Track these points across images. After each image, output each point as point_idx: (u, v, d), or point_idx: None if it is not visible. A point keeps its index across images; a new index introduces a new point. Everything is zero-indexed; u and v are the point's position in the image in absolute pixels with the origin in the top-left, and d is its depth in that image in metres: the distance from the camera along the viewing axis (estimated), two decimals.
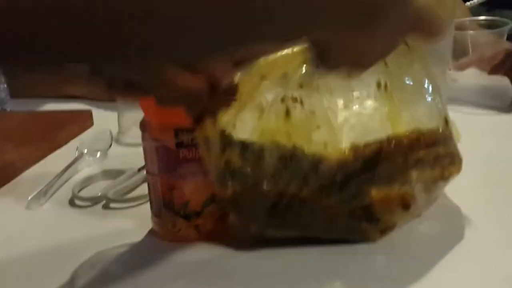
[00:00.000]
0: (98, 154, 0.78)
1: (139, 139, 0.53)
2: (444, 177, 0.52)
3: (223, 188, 0.49)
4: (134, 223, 0.59)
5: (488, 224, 0.55)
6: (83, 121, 0.93)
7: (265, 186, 0.48)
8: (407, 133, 0.49)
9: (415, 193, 0.50)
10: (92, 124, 0.94)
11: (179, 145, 0.51)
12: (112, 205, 0.63)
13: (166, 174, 0.52)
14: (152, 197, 0.54)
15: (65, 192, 0.67)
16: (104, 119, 0.94)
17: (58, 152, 0.82)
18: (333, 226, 0.50)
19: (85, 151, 0.78)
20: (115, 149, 0.79)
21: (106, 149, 0.79)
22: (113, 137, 0.79)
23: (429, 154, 0.50)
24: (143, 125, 0.52)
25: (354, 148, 0.47)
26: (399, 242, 0.52)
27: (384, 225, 0.51)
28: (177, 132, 0.50)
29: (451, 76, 0.98)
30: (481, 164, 0.70)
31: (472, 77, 0.96)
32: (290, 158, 0.48)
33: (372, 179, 0.48)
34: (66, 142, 0.86)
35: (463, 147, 0.64)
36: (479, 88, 0.93)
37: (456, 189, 0.57)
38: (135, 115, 0.53)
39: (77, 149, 0.78)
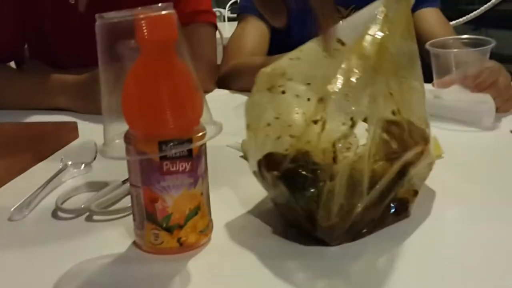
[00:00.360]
0: (83, 166, 0.78)
1: (123, 152, 0.53)
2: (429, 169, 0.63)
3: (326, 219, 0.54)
4: (117, 235, 0.59)
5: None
6: (68, 133, 0.94)
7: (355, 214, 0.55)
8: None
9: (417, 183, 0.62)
10: (77, 136, 0.94)
11: (163, 157, 0.51)
12: (95, 217, 0.63)
13: (149, 186, 0.52)
14: (135, 209, 0.54)
15: (49, 203, 0.67)
16: (90, 131, 0.94)
17: (42, 163, 0.82)
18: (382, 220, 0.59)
19: (70, 163, 0.78)
20: (100, 161, 0.79)
21: (90, 161, 0.79)
22: (98, 150, 0.80)
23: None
24: (128, 138, 0.52)
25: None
26: None
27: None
28: (161, 145, 0.50)
29: (434, 93, 0.99)
30: (461, 179, 0.70)
31: (455, 94, 0.97)
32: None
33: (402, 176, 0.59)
34: (51, 153, 0.86)
35: (445, 162, 0.65)
36: (462, 106, 0.94)
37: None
38: (119, 127, 0.53)
39: (61, 160, 0.78)
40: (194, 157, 0.52)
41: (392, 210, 0.59)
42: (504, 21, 4.05)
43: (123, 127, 0.53)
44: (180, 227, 0.53)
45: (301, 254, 0.55)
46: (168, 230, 0.52)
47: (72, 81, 1.12)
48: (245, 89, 1.23)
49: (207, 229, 0.55)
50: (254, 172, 0.60)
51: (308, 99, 0.61)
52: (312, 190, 0.54)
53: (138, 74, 0.51)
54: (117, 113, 0.52)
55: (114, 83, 0.53)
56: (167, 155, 0.51)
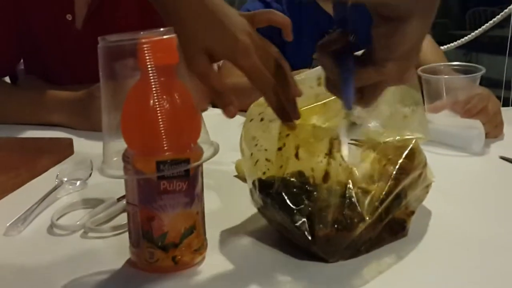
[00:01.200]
0: (78, 182, 0.79)
1: (121, 170, 0.54)
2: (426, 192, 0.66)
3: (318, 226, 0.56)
4: (112, 252, 0.60)
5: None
6: (64, 149, 0.94)
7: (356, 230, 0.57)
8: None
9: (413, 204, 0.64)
10: (72, 152, 0.95)
11: (160, 177, 0.52)
12: (90, 234, 0.64)
13: (146, 205, 0.53)
14: (131, 227, 0.55)
15: (44, 219, 0.67)
16: (85, 147, 0.95)
17: (38, 179, 0.83)
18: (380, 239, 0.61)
19: (65, 179, 0.79)
20: (95, 178, 0.80)
21: (86, 178, 0.80)
22: (93, 166, 0.81)
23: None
24: (126, 157, 0.53)
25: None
26: None
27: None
28: (159, 164, 0.51)
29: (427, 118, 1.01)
30: (452, 202, 0.72)
31: (446, 119, 0.99)
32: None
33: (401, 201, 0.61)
34: (46, 169, 0.86)
35: (435, 186, 0.67)
36: (452, 131, 0.96)
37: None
38: (118, 146, 0.54)
39: (57, 177, 0.79)
40: (191, 177, 0.53)
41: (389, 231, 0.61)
42: (494, 47, 4.11)
43: (122, 145, 0.54)
44: (175, 245, 0.53)
45: (298, 270, 0.56)
46: (163, 248, 0.53)
47: (68, 98, 1.12)
48: (239, 109, 1.25)
49: (202, 248, 0.56)
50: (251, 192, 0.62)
51: None
52: (302, 207, 0.57)
53: (138, 95, 0.52)
54: (117, 131, 0.54)
55: (114, 103, 0.54)
56: (165, 174, 0.52)
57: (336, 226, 0.56)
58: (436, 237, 0.63)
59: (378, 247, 0.60)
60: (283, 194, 0.58)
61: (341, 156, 0.60)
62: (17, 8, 1.25)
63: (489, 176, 0.83)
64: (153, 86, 0.51)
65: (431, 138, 0.94)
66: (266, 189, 0.60)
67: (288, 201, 0.57)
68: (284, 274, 0.55)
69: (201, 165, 0.55)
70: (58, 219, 0.67)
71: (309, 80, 0.67)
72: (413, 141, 0.65)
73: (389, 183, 0.59)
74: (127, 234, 0.57)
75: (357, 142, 0.66)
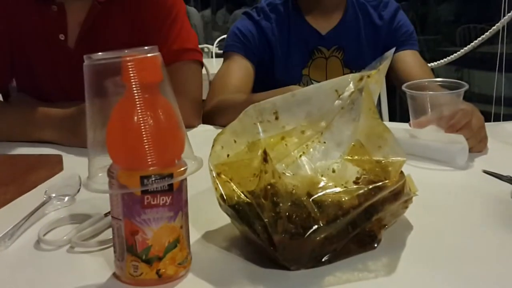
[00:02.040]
0: (66, 198, 0.80)
1: (106, 185, 0.55)
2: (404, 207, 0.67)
3: (274, 235, 0.57)
4: (98, 266, 0.61)
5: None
6: (53, 165, 0.95)
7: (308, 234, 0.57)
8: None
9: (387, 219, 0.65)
10: (62, 168, 0.96)
11: (144, 191, 0.53)
12: (76, 249, 0.65)
13: (130, 219, 0.54)
14: (115, 241, 0.56)
15: (31, 235, 0.68)
16: (75, 164, 0.96)
17: (26, 195, 0.84)
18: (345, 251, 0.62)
19: (53, 195, 0.80)
20: (83, 194, 0.80)
21: (74, 194, 0.81)
22: (82, 183, 0.82)
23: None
24: (111, 172, 0.54)
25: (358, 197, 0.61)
26: None
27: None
28: (142, 179, 0.52)
29: (411, 133, 1.03)
30: (434, 216, 0.73)
31: (431, 134, 1.00)
32: (320, 207, 0.58)
33: (371, 217, 0.62)
34: (35, 185, 0.87)
35: (419, 200, 0.68)
36: (437, 145, 0.98)
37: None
38: (103, 161, 0.55)
39: (45, 193, 0.80)
40: (175, 191, 0.54)
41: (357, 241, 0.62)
42: (485, 63, 4.16)
43: (107, 161, 0.55)
44: (159, 259, 0.54)
45: (263, 278, 0.57)
46: (147, 262, 0.54)
47: (58, 115, 1.14)
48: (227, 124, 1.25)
49: (185, 262, 0.57)
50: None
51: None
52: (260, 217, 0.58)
53: (122, 112, 0.53)
54: (102, 147, 0.55)
55: (99, 119, 0.55)
56: (148, 189, 0.53)
57: (289, 232, 0.57)
58: (409, 250, 0.63)
59: (344, 258, 0.60)
60: (242, 205, 0.60)
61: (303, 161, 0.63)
62: (10, 27, 1.26)
63: (472, 189, 0.85)
64: (137, 102, 0.52)
65: (416, 153, 0.97)
66: (229, 201, 0.61)
67: (247, 213, 0.59)
68: (261, 283, 0.56)
69: (185, 179, 0.56)
70: (45, 234, 0.68)
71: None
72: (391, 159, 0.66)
73: (358, 197, 0.60)
74: (112, 249, 0.58)
75: (340, 154, 0.67)
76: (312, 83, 1.50)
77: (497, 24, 2.78)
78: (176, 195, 0.55)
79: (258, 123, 0.67)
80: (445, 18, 5.60)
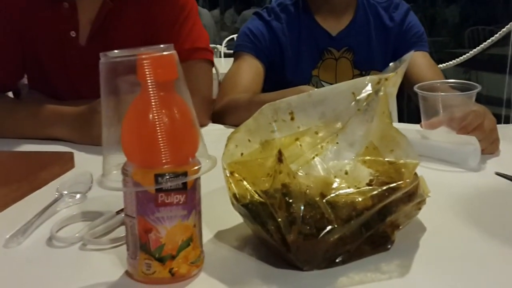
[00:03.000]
0: (78, 196, 0.80)
1: (120, 183, 0.55)
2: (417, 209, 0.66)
3: (287, 236, 0.56)
4: (110, 264, 0.61)
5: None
6: (65, 163, 0.95)
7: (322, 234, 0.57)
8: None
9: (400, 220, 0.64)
10: (73, 166, 0.96)
11: (158, 189, 0.53)
12: (88, 246, 0.65)
13: (144, 217, 0.54)
14: (128, 239, 0.56)
15: (43, 232, 0.68)
16: (86, 161, 0.96)
17: (38, 192, 0.84)
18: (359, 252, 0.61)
19: (65, 192, 0.80)
20: (95, 191, 0.81)
21: (85, 191, 0.81)
22: (93, 180, 0.82)
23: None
24: (125, 170, 0.54)
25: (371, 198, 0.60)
26: None
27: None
28: (157, 177, 0.52)
29: (422, 134, 1.02)
30: (447, 218, 0.73)
31: (442, 136, 1.00)
32: (333, 208, 0.58)
33: (384, 218, 0.61)
34: (46, 183, 0.88)
35: (431, 201, 0.68)
36: (448, 147, 0.97)
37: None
38: (118, 159, 0.55)
39: (57, 190, 0.80)
40: (189, 190, 0.54)
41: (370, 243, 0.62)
42: (493, 65, 4.14)
43: (121, 158, 0.55)
44: (173, 257, 0.54)
45: (276, 278, 0.57)
46: (160, 260, 0.54)
47: (70, 112, 1.14)
48: (239, 124, 1.25)
49: (198, 260, 0.57)
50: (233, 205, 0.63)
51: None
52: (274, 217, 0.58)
53: (137, 110, 0.53)
54: (116, 145, 0.55)
55: (114, 117, 0.55)
56: (163, 187, 0.53)
57: (303, 233, 0.56)
58: (422, 252, 0.63)
59: (357, 259, 0.60)
60: (255, 205, 0.59)
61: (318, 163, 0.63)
62: (22, 24, 1.27)
63: (484, 192, 0.84)
64: (152, 100, 0.52)
65: (427, 154, 0.96)
66: (242, 200, 0.61)
67: (260, 212, 0.59)
68: (274, 282, 0.56)
69: (199, 178, 0.56)
70: (57, 231, 0.68)
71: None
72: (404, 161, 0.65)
73: (372, 198, 0.60)
74: (125, 246, 0.58)
75: (353, 156, 0.67)
76: (322, 84, 1.50)
77: (507, 26, 2.77)
78: (190, 194, 0.54)
79: (273, 122, 0.67)
80: (453, 19, 5.58)
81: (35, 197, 0.82)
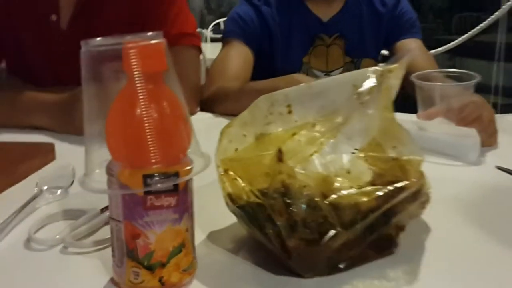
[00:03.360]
0: (59, 191, 0.75)
1: (104, 183, 0.50)
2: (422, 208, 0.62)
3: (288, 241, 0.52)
4: (93, 269, 0.56)
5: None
6: (45, 154, 0.90)
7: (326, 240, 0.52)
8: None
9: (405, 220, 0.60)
10: (54, 158, 0.91)
11: (147, 192, 0.48)
12: (70, 249, 0.60)
13: (131, 221, 0.49)
14: (114, 245, 0.51)
15: (21, 232, 0.63)
16: (68, 152, 0.91)
17: (16, 187, 0.79)
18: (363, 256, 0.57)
19: (45, 187, 0.75)
20: (77, 186, 0.75)
21: (67, 186, 0.76)
22: (75, 174, 0.77)
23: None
24: (110, 169, 0.49)
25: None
26: None
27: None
28: (145, 178, 0.47)
29: (419, 125, 0.99)
30: (449, 214, 0.69)
31: (440, 127, 0.96)
32: (336, 209, 0.54)
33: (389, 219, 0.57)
34: (25, 176, 0.82)
35: (432, 197, 0.64)
36: (447, 139, 0.94)
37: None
38: (102, 155, 0.51)
39: (36, 185, 0.75)
40: (180, 192, 0.50)
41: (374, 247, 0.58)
42: (480, 52, 4.13)
43: (106, 155, 0.50)
44: (163, 265, 0.50)
45: (275, 286, 0.53)
46: (149, 268, 0.50)
47: (51, 100, 1.08)
48: (228, 113, 1.22)
49: (190, 268, 0.52)
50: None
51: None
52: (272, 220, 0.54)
53: (123, 104, 0.48)
54: (100, 140, 0.50)
55: (98, 110, 0.51)
56: (152, 189, 0.48)
57: (304, 238, 0.53)
58: (429, 255, 0.59)
59: (361, 264, 0.56)
60: (252, 207, 0.55)
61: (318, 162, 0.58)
62: (0, 7, 1.20)
63: (486, 186, 0.81)
64: (140, 94, 0.47)
65: (425, 146, 0.92)
66: (237, 201, 0.57)
67: (258, 215, 0.55)
68: None
69: (191, 178, 0.51)
70: (36, 231, 0.63)
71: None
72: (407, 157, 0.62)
73: (378, 199, 0.55)
74: (110, 249, 0.53)
75: (354, 151, 0.63)
76: (313, 72, 1.46)
77: (496, 13, 2.74)
78: (181, 196, 0.50)
79: (269, 115, 0.63)
80: (441, 6, 5.56)
81: (12, 193, 0.77)
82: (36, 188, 0.74)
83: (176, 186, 0.49)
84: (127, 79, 0.48)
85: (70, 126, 1.01)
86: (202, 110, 1.25)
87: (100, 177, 0.51)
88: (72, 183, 0.77)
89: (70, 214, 0.67)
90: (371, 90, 0.63)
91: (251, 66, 1.39)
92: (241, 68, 1.35)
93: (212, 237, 0.63)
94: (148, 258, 0.49)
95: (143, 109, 0.47)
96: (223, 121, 1.16)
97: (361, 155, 0.61)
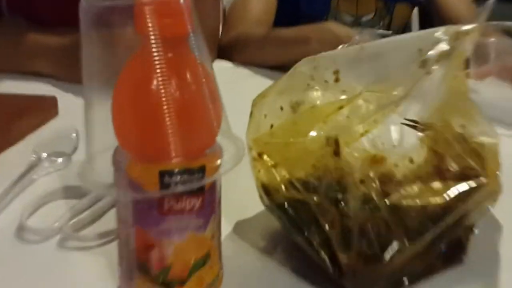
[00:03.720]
0: (60, 159, 0.65)
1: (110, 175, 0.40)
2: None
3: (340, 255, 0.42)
4: (98, 271, 0.46)
5: None
6: (46, 110, 0.80)
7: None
8: None
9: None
10: (56, 113, 0.81)
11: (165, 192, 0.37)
12: (70, 242, 0.50)
13: (144, 228, 0.39)
14: (122, 252, 0.41)
15: (13, 214, 0.53)
16: (72, 107, 0.80)
17: (11, 150, 0.68)
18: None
19: (44, 154, 0.65)
20: (82, 152, 0.65)
21: (70, 153, 0.66)
22: (79, 138, 0.67)
23: None
24: (117, 160, 0.38)
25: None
26: None
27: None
28: (163, 175, 0.36)
29: (471, 87, 0.87)
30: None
31: (494, 90, 0.85)
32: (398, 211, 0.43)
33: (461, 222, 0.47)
34: (22, 136, 0.72)
35: None
36: (502, 104, 0.82)
37: None
38: (107, 139, 0.40)
39: (34, 151, 0.65)
40: (207, 191, 0.39)
41: (442, 256, 0.48)
42: None
43: (112, 139, 0.39)
44: (182, 282, 0.40)
45: None
46: (166, 286, 0.39)
47: (55, 44, 0.97)
48: (249, 62, 1.11)
49: (216, 281, 0.42)
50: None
51: None
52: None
53: (135, 77, 0.37)
54: (106, 118, 0.39)
55: (102, 82, 0.39)
56: (171, 189, 0.37)
57: (362, 255, 0.42)
58: (504, 258, 0.49)
59: (426, 277, 0.46)
60: (293, 205, 0.45)
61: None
62: None
63: None
64: (157, 64, 0.36)
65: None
66: (274, 195, 0.47)
67: (300, 214, 0.44)
68: None
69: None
70: (30, 215, 0.53)
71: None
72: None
73: (450, 199, 0.45)
74: (117, 242, 0.43)
75: (412, 123, 0.52)
76: (342, 18, 1.32)
77: None
78: (208, 196, 0.39)
79: (311, 81, 0.52)
80: None
81: (6, 158, 0.67)
82: (33, 156, 0.64)
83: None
84: (141, 46, 0.36)
85: (74, 75, 0.90)
86: (219, 57, 1.13)
87: (106, 165, 0.40)
88: (75, 149, 0.66)
89: (72, 192, 0.57)
90: (440, 56, 0.51)
91: (274, 10, 1.26)
92: (263, 11, 1.23)
93: (240, 229, 0.52)
94: (164, 274, 0.39)
95: (161, 85, 0.36)
96: (244, 73, 1.04)
97: (426, 139, 0.50)
